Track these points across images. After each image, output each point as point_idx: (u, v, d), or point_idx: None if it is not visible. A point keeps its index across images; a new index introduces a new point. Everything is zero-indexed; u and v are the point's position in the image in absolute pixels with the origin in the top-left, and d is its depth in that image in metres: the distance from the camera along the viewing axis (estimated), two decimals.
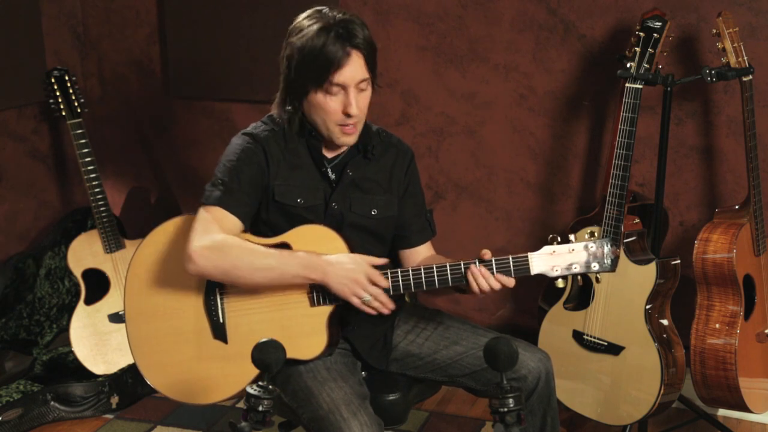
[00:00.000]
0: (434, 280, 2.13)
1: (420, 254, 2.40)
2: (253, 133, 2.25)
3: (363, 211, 2.28)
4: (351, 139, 2.22)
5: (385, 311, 2.15)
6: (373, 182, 2.31)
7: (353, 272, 2.12)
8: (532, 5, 3.24)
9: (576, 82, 3.26)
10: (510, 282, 2.11)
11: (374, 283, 2.13)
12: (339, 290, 2.12)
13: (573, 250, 2.08)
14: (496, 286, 2.11)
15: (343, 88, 2.14)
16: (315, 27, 2.13)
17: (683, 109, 3.14)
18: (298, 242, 2.17)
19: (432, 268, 2.13)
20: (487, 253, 2.10)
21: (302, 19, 2.18)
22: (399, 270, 2.15)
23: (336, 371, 2.19)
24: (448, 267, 2.13)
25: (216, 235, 2.14)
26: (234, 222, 2.18)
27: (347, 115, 2.16)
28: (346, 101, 2.15)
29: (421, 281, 2.14)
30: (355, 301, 2.12)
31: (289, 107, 2.22)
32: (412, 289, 2.16)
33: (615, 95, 3.13)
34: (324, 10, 2.18)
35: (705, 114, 3.13)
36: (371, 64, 2.17)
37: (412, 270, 2.15)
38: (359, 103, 2.16)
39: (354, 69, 2.13)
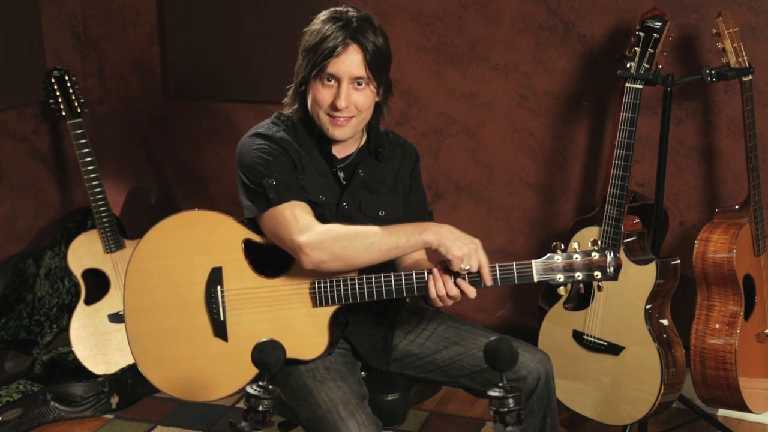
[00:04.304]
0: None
1: (412, 256, 2.34)
2: (268, 135, 2.23)
3: (372, 212, 2.28)
4: (340, 132, 2.20)
5: (472, 294, 2.09)
6: (382, 184, 2.31)
7: (468, 238, 2.08)
8: (532, 5, 3.24)
9: (576, 82, 3.26)
10: (471, 292, 2.08)
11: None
12: (454, 246, 2.05)
13: (576, 258, 2.08)
14: (453, 292, 2.08)
15: (337, 80, 2.14)
16: (326, 17, 2.17)
17: (683, 109, 3.14)
18: None
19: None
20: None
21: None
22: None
23: (335, 371, 2.19)
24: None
25: (317, 226, 2.12)
26: (309, 209, 2.17)
27: (334, 107, 2.15)
28: (337, 93, 2.15)
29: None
30: (459, 263, 2.05)
31: (296, 106, 2.23)
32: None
33: (615, 95, 3.13)
34: (345, 9, 2.20)
35: (705, 114, 3.13)
36: (374, 67, 2.16)
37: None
38: (352, 98, 2.16)
39: (349, 62, 2.13)
